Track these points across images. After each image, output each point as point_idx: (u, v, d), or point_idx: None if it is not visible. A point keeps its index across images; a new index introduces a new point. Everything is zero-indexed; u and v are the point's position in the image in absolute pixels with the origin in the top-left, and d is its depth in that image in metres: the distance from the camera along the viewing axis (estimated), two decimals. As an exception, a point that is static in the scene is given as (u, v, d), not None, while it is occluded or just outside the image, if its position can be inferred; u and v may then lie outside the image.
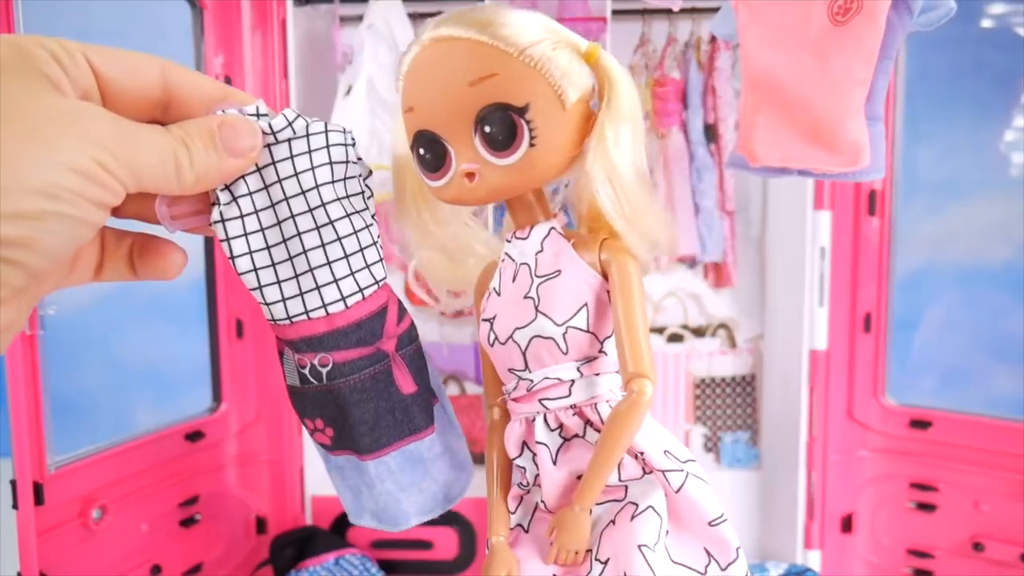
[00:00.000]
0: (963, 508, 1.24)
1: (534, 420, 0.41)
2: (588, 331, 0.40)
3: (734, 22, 0.64)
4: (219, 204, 0.35)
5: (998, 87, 1.41)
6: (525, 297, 0.41)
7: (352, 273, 0.37)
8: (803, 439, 1.35)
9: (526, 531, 0.42)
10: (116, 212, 0.31)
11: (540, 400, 0.41)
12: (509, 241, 0.42)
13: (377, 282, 0.38)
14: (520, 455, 0.42)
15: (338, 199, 0.36)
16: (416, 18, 1.35)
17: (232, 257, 0.36)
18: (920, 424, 1.28)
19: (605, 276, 0.40)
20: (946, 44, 1.40)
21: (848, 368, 1.33)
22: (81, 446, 1.04)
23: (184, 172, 0.31)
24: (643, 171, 0.41)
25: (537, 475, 0.41)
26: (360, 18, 1.31)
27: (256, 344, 1.32)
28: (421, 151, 0.39)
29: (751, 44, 0.62)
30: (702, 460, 1.55)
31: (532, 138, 0.38)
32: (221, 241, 0.36)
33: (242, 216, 0.35)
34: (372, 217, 0.38)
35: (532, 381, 0.41)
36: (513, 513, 0.43)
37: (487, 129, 0.37)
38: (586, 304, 0.40)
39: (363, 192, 0.38)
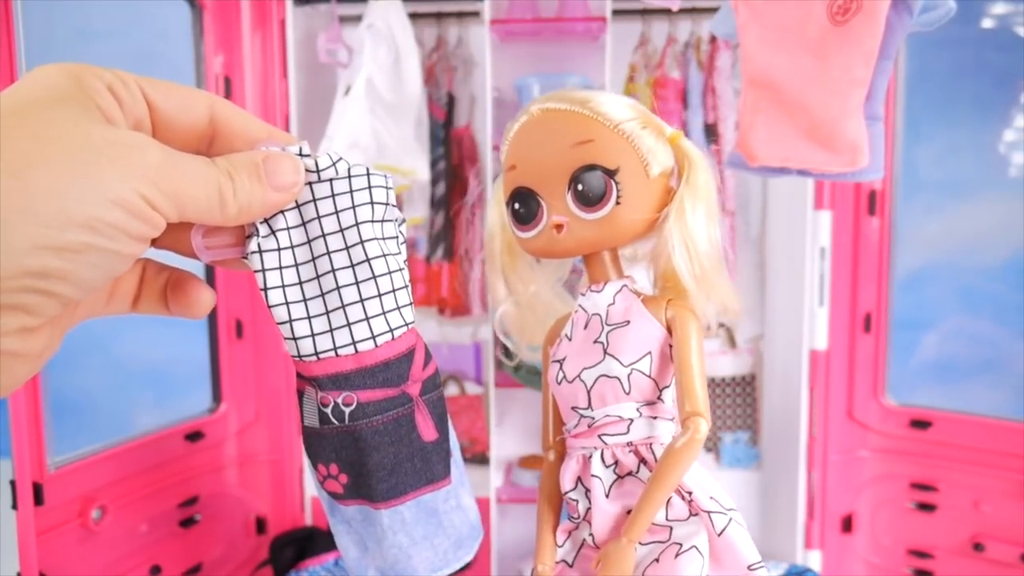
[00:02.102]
0: (963, 508, 1.24)
1: (591, 457, 0.45)
2: (650, 376, 0.44)
3: (734, 22, 0.64)
4: (257, 236, 0.36)
5: (998, 87, 1.41)
6: (595, 342, 0.45)
7: (384, 313, 0.37)
8: (803, 439, 1.35)
9: (570, 566, 0.45)
10: (151, 242, 0.31)
11: (600, 435, 0.44)
12: (583, 295, 0.47)
13: (407, 324, 0.38)
14: (574, 489, 0.45)
15: (376, 239, 0.37)
16: (416, 18, 1.35)
17: (265, 289, 0.36)
18: (920, 424, 1.28)
19: (670, 332, 0.45)
20: (946, 44, 1.40)
21: (848, 368, 1.33)
22: (81, 446, 1.04)
23: (228, 203, 0.32)
24: (716, 243, 0.46)
25: (588, 509, 0.44)
26: (360, 18, 1.31)
27: (256, 344, 1.32)
28: (516, 205, 0.45)
29: (751, 44, 0.62)
30: (702, 460, 1.55)
31: (619, 197, 0.43)
32: (255, 272, 0.36)
33: (279, 249, 0.36)
34: (404, 262, 0.39)
35: (594, 418, 0.44)
36: (560, 547, 0.46)
37: (580, 187, 0.43)
38: (650, 352, 0.44)
39: (398, 237, 0.39)
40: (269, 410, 1.35)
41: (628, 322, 0.45)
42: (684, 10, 1.40)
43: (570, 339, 0.46)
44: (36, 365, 0.30)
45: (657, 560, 0.42)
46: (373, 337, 0.37)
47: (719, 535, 0.43)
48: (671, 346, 0.45)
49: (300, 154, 0.35)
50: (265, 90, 1.31)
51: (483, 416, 1.50)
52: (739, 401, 1.56)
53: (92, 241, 0.27)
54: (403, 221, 0.39)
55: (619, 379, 0.44)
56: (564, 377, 0.45)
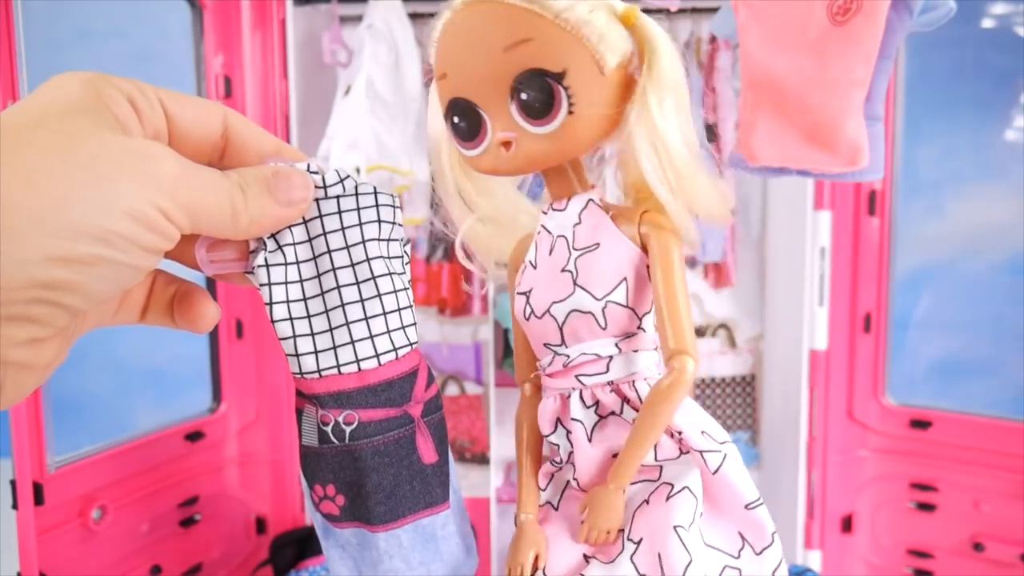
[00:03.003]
0: (963, 508, 1.24)
1: (569, 397, 0.40)
2: (627, 306, 0.39)
3: (734, 22, 0.64)
4: (265, 250, 0.35)
5: (998, 87, 1.41)
6: (563, 270, 0.40)
7: (388, 331, 0.37)
8: (803, 439, 1.35)
9: (555, 509, 0.41)
10: None
11: (577, 376, 0.40)
12: (546, 213, 0.41)
13: (411, 344, 0.38)
14: (554, 432, 0.41)
15: (381, 257, 0.36)
16: (416, 18, 1.35)
17: (270, 304, 0.36)
18: (920, 424, 1.28)
19: (645, 250, 0.39)
20: (946, 44, 1.40)
21: (848, 368, 1.33)
22: (81, 446, 1.04)
23: (240, 216, 0.32)
24: (691, 140, 0.39)
25: (571, 452, 0.41)
26: (360, 18, 1.31)
27: (256, 344, 1.32)
28: (456, 119, 0.39)
29: (751, 44, 0.62)
30: (702, 460, 1.55)
31: (571, 105, 0.36)
32: (260, 286, 0.36)
33: (285, 264, 0.36)
34: (408, 282, 0.38)
35: (568, 356, 0.40)
36: (543, 490, 0.42)
37: (523, 96, 0.36)
38: (625, 278, 0.39)
39: (403, 257, 0.38)
40: (269, 410, 1.35)
41: (597, 245, 0.39)
42: (684, 10, 1.39)
43: (535, 266, 0.41)
44: (44, 376, 0.30)
45: (647, 502, 0.38)
46: (377, 355, 0.37)
47: (714, 473, 0.39)
48: (648, 267, 0.39)
49: (308, 171, 0.35)
50: (265, 90, 1.31)
51: (483, 416, 1.50)
52: (739, 401, 1.56)
53: (104, 253, 0.27)
54: (408, 242, 0.39)
55: (593, 314, 0.39)
56: (532, 312, 0.40)
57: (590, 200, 0.40)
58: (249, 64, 1.30)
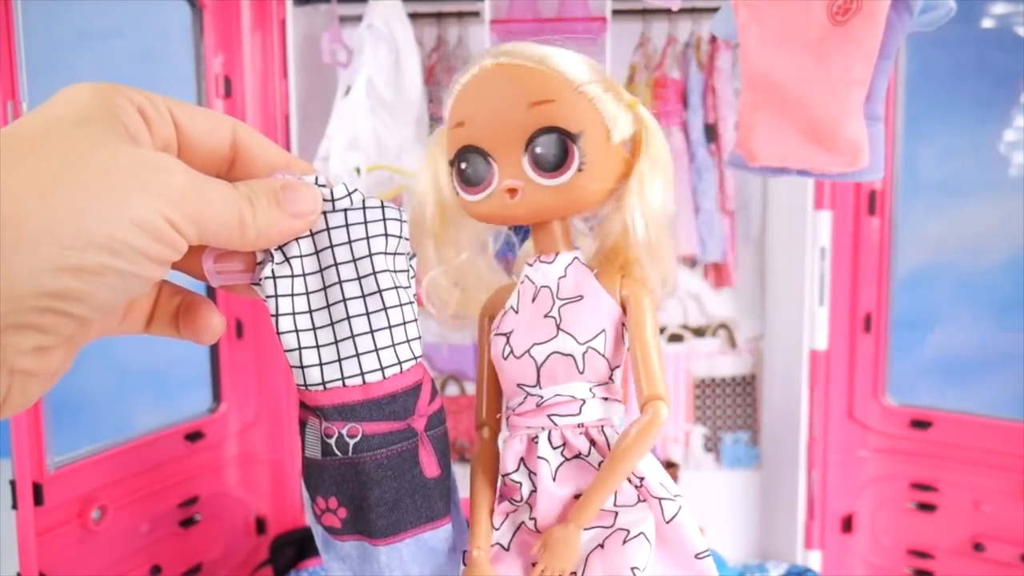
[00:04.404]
0: (963, 508, 1.24)
1: (536, 438, 0.42)
2: (604, 355, 0.42)
3: (734, 22, 0.64)
4: (272, 262, 0.36)
5: (998, 87, 1.41)
6: (546, 316, 0.42)
7: (393, 344, 0.37)
8: (803, 439, 1.35)
9: (506, 549, 0.42)
10: None
11: (549, 415, 0.42)
12: (531, 265, 0.44)
13: (415, 358, 0.38)
14: (516, 471, 0.42)
15: (388, 270, 0.37)
16: (416, 18, 1.35)
17: (276, 315, 0.36)
18: (920, 424, 1.28)
19: (623, 309, 0.43)
20: (946, 44, 1.40)
21: (848, 368, 1.33)
22: (81, 446, 1.04)
23: (248, 228, 0.32)
24: (671, 216, 0.44)
25: (532, 492, 0.42)
26: (360, 18, 1.31)
27: (256, 344, 1.32)
28: (463, 165, 0.42)
29: (751, 44, 0.62)
30: (702, 460, 1.55)
31: (581, 163, 0.40)
32: (267, 298, 0.36)
33: (292, 276, 0.36)
34: (414, 296, 0.39)
35: (542, 397, 0.42)
36: (497, 529, 0.42)
37: (538, 150, 0.40)
38: (604, 330, 0.42)
39: (408, 270, 0.39)
40: (269, 410, 1.35)
41: (581, 297, 0.42)
42: (684, 10, 1.40)
43: (516, 311, 0.43)
44: (49, 383, 0.30)
45: (601, 546, 0.40)
46: (382, 368, 0.37)
47: (668, 522, 0.40)
48: (623, 324, 0.43)
49: (316, 184, 0.36)
50: (265, 90, 1.31)
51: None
52: (739, 401, 1.56)
53: (112, 263, 0.27)
54: (414, 256, 0.39)
55: (573, 357, 0.41)
56: (511, 352, 0.42)
57: (576, 258, 0.44)
58: (249, 64, 1.30)
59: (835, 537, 1.36)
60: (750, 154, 0.63)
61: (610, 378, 0.43)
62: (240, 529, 1.34)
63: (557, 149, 0.40)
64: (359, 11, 1.31)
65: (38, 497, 0.92)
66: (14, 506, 0.89)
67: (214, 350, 1.30)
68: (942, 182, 1.48)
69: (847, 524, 1.36)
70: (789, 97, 0.60)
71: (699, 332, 1.56)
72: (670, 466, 1.36)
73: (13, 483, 0.90)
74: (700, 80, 1.42)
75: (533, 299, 0.43)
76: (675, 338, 1.56)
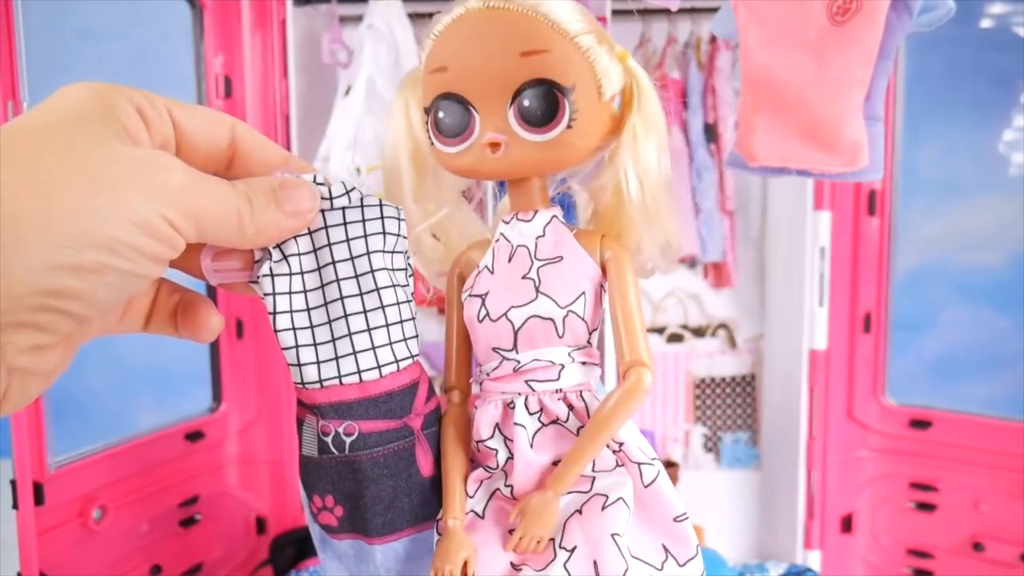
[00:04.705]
0: (963, 508, 1.24)
1: (511, 403, 0.40)
2: (583, 319, 0.40)
3: (734, 22, 0.64)
4: (270, 260, 0.36)
5: (998, 87, 1.41)
6: (524, 277, 0.40)
7: (391, 343, 0.37)
8: (803, 439, 1.35)
9: (481, 517, 0.40)
10: None
11: (527, 381, 0.40)
12: (507, 222, 0.42)
13: (412, 356, 0.38)
14: (491, 437, 0.41)
15: (386, 269, 0.37)
16: (416, 18, 1.35)
17: (273, 313, 0.36)
18: (920, 424, 1.28)
19: (603, 272, 0.41)
20: (946, 44, 1.40)
21: (848, 368, 1.33)
22: (81, 446, 1.04)
23: (245, 226, 0.32)
24: (667, 175, 0.41)
25: (509, 459, 0.40)
26: (360, 18, 1.31)
27: (256, 344, 1.32)
28: (441, 114, 0.39)
29: (751, 44, 0.62)
30: (702, 460, 1.55)
31: (572, 119, 0.38)
32: (264, 296, 0.36)
33: (290, 275, 0.36)
34: (412, 295, 0.39)
35: (519, 361, 0.40)
36: (471, 497, 0.41)
37: (526, 103, 0.37)
38: (584, 293, 0.40)
39: (406, 269, 0.38)
40: (269, 410, 1.35)
41: (561, 257, 0.40)
42: (684, 10, 1.40)
43: (492, 271, 0.41)
44: (48, 382, 0.30)
45: (580, 512, 0.38)
46: (379, 367, 0.37)
47: (646, 486, 0.39)
48: (602, 287, 0.41)
49: (315, 182, 0.35)
50: (265, 90, 1.31)
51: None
52: (739, 401, 1.56)
53: (109, 262, 0.27)
54: (411, 255, 0.39)
55: (553, 321, 0.39)
56: (488, 314, 0.40)
57: (555, 216, 0.42)
58: (249, 64, 1.30)
59: (835, 537, 1.36)
60: (750, 154, 0.63)
61: (588, 342, 0.41)
62: (240, 529, 1.34)
63: (547, 103, 0.37)
64: (359, 11, 1.31)
65: (39, 497, 0.92)
66: (15, 506, 0.89)
67: (214, 350, 1.30)
68: (941, 182, 1.48)
69: (847, 524, 1.36)
70: (789, 97, 0.60)
71: (699, 332, 1.56)
72: (670, 466, 1.36)
73: (14, 483, 0.90)
74: (700, 80, 1.42)
75: (509, 259, 0.41)
76: (675, 338, 1.56)
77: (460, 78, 0.38)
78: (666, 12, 1.40)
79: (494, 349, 0.41)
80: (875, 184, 1.28)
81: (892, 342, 1.32)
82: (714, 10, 0.67)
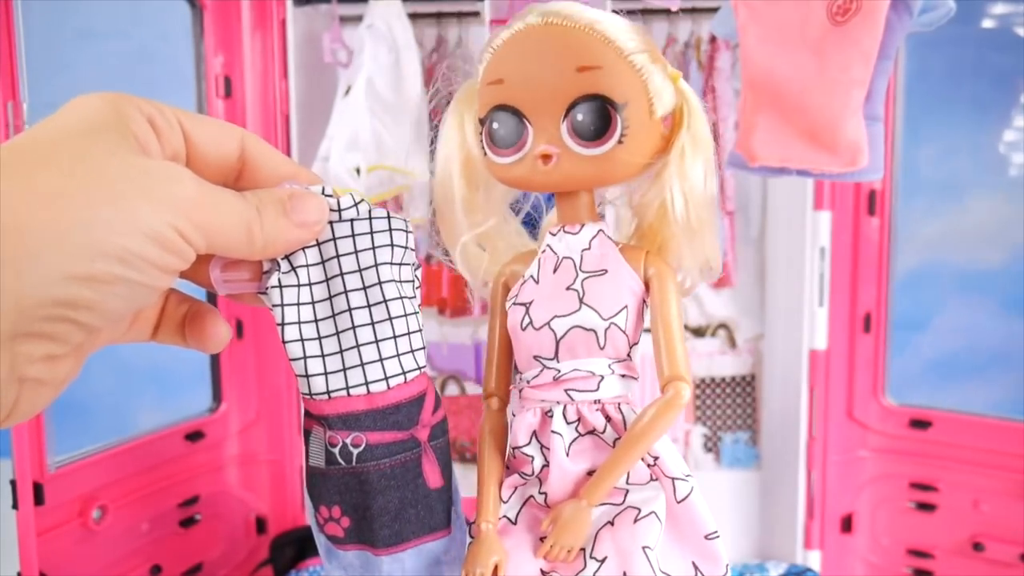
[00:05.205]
0: (963, 508, 1.24)
1: (550, 412, 0.41)
2: (625, 332, 0.41)
3: (734, 22, 0.64)
4: (278, 271, 0.36)
5: (997, 87, 1.41)
6: (568, 288, 0.41)
7: (398, 355, 0.37)
8: (803, 439, 1.35)
9: (513, 523, 0.41)
10: None
11: (566, 390, 0.41)
12: (554, 234, 0.43)
13: (420, 368, 0.38)
14: (528, 444, 0.42)
15: (393, 281, 0.37)
16: (416, 18, 1.35)
17: (282, 324, 0.36)
18: (920, 424, 1.28)
19: (647, 286, 0.42)
20: (946, 44, 1.40)
21: (848, 368, 1.33)
22: (81, 446, 1.04)
23: (255, 238, 0.32)
24: (713, 196, 0.42)
25: (544, 467, 0.41)
26: (360, 18, 1.31)
27: (256, 344, 1.32)
28: (495, 125, 0.40)
29: (750, 44, 0.62)
30: (702, 460, 1.55)
31: (623, 135, 0.39)
32: (273, 307, 0.36)
33: (298, 286, 0.36)
34: (418, 306, 0.39)
35: (559, 371, 0.41)
36: (505, 502, 0.42)
37: (579, 117, 0.38)
38: (627, 306, 0.41)
39: (414, 281, 0.39)
40: (269, 410, 1.35)
41: (605, 271, 0.41)
42: (684, 10, 1.40)
43: (537, 281, 0.42)
44: (57, 391, 0.30)
45: (611, 523, 0.39)
46: (386, 379, 0.37)
47: (679, 502, 0.40)
48: (645, 302, 0.42)
49: (323, 194, 0.36)
50: (265, 90, 1.31)
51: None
52: (739, 401, 1.56)
53: (121, 273, 0.27)
54: (419, 267, 0.39)
55: (595, 332, 0.40)
56: (531, 323, 0.41)
57: (601, 230, 0.42)
58: (249, 64, 1.30)
59: (835, 537, 1.36)
60: (750, 154, 0.63)
61: (628, 355, 0.42)
62: (240, 529, 1.34)
63: (599, 118, 0.38)
64: (359, 11, 1.31)
65: (39, 497, 0.92)
66: (15, 506, 0.89)
67: (214, 350, 1.30)
68: (941, 182, 1.48)
69: (847, 524, 1.36)
70: (789, 97, 0.60)
71: (699, 332, 1.56)
72: (670, 466, 1.36)
73: (14, 483, 0.90)
74: (700, 80, 1.42)
75: (555, 270, 0.42)
76: (675, 338, 1.56)
77: (516, 90, 0.39)
78: (666, 12, 1.40)
79: (535, 357, 0.42)
80: (875, 184, 1.28)
81: (892, 342, 1.32)
82: (714, 10, 0.67)
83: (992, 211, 1.45)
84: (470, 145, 0.43)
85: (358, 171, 1.22)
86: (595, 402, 0.41)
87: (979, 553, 1.22)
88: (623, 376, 0.42)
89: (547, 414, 0.41)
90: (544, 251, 0.43)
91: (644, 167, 0.41)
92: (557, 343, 0.41)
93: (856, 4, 0.57)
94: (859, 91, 0.59)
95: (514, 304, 0.42)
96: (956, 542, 1.25)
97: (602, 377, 0.41)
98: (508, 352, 0.44)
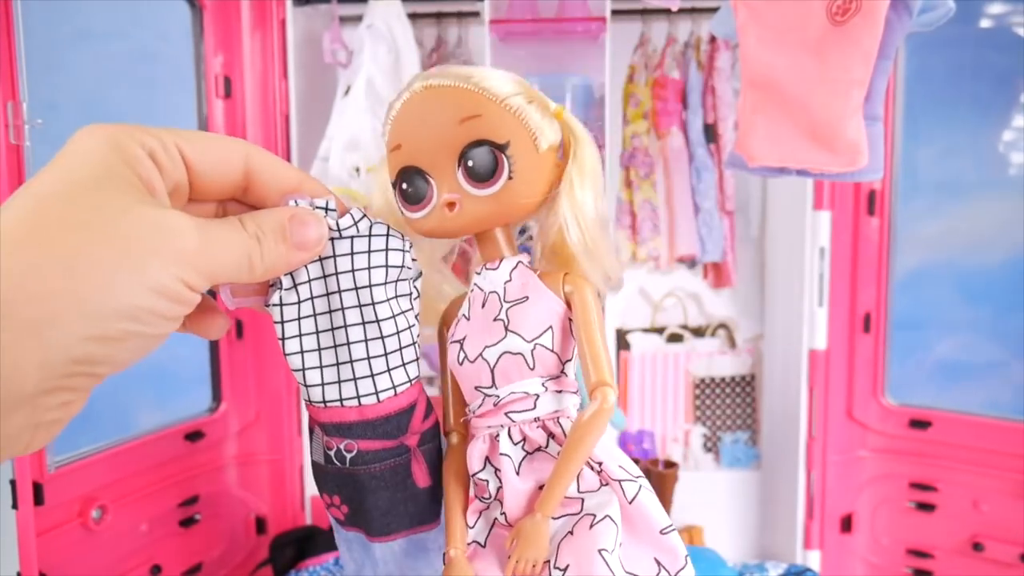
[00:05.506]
0: (963, 508, 1.24)
1: (498, 435, 0.44)
2: (552, 351, 0.44)
3: (734, 22, 0.64)
4: (280, 288, 0.38)
5: (997, 87, 1.41)
6: (495, 320, 0.44)
7: (389, 370, 0.40)
8: (803, 439, 1.35)
9: (483, 546, 0.44)
10: None
11: (506, 413, 0.44)
12: (478, 273, 0.46)
13: (410, 380, 0.41)
14: (483, 469, 0.44)
15: (387, 300, 0.39)
16: (416, 18, 1.35)
17: (283, 339, 0.39)
18: (920, 424, 1.28)
19: (568, 306, 0.45)
20: (945, 44, 1.40)
21: (848, 368, 1.33)
22: (81, 446, 1.04)
23: (256, 267, 0.34)
24: (604, 216, 0.46)
25: (499, 488, 0.44)
26: (360, 18, 1.31)
27: (256, 344, 1.32)
28: (404, 185, 0.44)
29: (750, 44, 0.62)
30: (702, 460, 1.55)
31: (511, 171, 0.43)
32: (276, 323, 0.39)
33: (299, 302, 0.39)
34: (415, 317, 0.42)
35: (499, 396, 0.44)
36: (471, 528, 0.45)
37: (470, 163, 0.42)
38: (551, 327, 0.44)
39: (411, 294, 0.42)
40: (269, 410, 1.35)
41: (527, 297, 0.44)
42: (684, 10, 1.40)
43: (468, 319, 0.45)
44: (66, 423, 0.32)
45: (571, 532, 0.42)
46: (376, 393, 0.39)
47: (630, 503, 0.42)
48: (570, 320, 0.45)
49: (326, 207, 0.38)
50: (265, 90, 1.31)
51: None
52: (739, 401, 1.56)
53: (133, 329, 0.29)
54: (420, 276, 0.42)
55: (523, 354, 0.43)
56: (466, 357, 0.44)
57: (520, 262, 0.46)
58: (249, 64, 1.30)
59: (834, 537, 1.36)
60: (750, 154, 0.63)
61: (562, 372, 0.45)
62: (240, 529, 1.34)
63: (487, 160, 0.42)
64: (359, 11, 1.31)
65: (38, 497, 0.92)
66: (14, 506, 0.89)
67: (214, 350, 1.30)
68: (941, 182, 1.48)
69: (846, 524, 1.36)
70: (788, 97, 0.61)
71: (699, 332, 1.56)
72: (670, 466, 1.36)
73: (13, 483, 0.90)
74: (700, 80, 1.42)
75: (483, 305, 0.45)
76: (675, 338, 1.56)
77: (414, 151, 0.43)
78: (666, 12, 1.40)
79: (476, 388, 0.45)
80: (875, 184, 1.28)
81: (892, 342, 1.32)
82: (714, 10, 0.67)
83: (992, 211, 1.45)
84: (394, 209, 0.47)
85: (358, 171, 1.23)
86: (535, 420, 0.44)
87: (979, 553, 1.22)
88: (558, 392, 0.44)
89: (495, 438, 0.44)
90: (472, 290, 0.46)
91: (543, 197, 0.45)
92: (492, 371, 0.44)
93: (856, 4, 0.57)
94: (859, 91, 0.59)
95: (451, 342, 0.46)
96: (956, 542, 1.25)
97: (537, 396, 0.44)
98: (459, 389, 0.47)
